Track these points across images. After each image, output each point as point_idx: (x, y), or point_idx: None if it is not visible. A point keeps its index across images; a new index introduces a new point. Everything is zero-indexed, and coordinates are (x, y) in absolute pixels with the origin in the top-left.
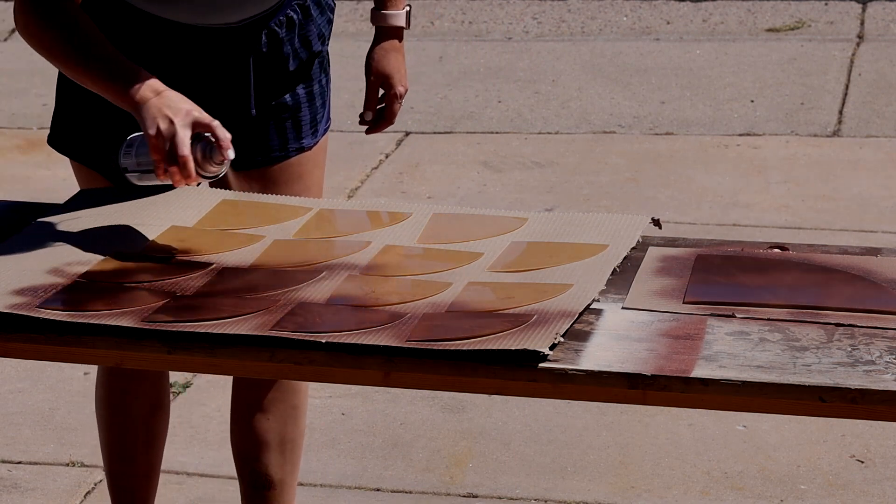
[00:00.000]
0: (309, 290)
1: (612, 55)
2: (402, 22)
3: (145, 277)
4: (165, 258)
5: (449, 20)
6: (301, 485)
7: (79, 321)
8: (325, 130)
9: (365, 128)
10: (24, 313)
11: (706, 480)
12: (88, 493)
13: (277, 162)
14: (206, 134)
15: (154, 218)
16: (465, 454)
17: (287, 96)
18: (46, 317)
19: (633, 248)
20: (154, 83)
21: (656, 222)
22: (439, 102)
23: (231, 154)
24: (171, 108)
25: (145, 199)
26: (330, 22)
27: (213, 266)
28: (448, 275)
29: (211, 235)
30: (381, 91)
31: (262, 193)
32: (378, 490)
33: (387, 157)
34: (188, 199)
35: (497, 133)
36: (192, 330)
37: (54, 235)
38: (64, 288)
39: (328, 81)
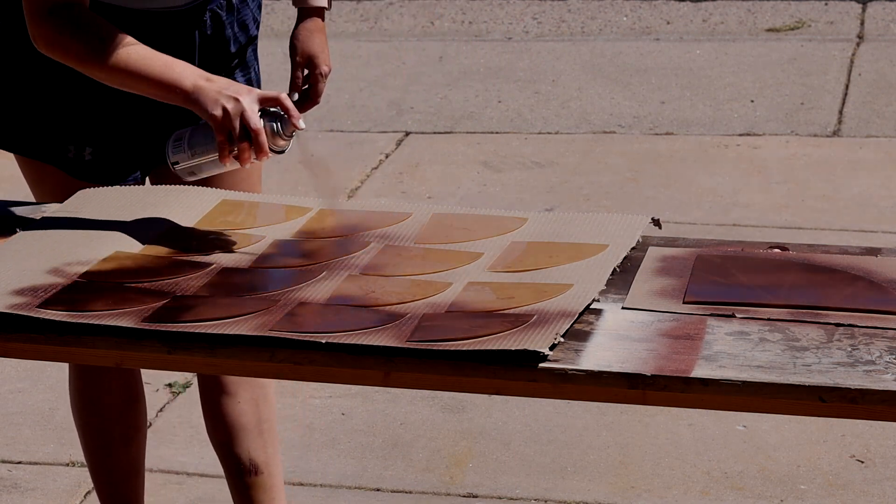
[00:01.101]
0: (309, 290)
1: (612, 55)
2: (323, 2)
3: (145, 277)
4: (165, 258)
5: (449, 20)
6: (301, 485)
7: (79, 321)
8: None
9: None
10: (24, 313)
11: (706, 480)
12: (88, 493)
13: None
14: (272, 109)
15: (154, 218)
16: (465, 454)
17: None
18: (46, 317)
19: (633, 248)
20: (199, 70)
21: (656, 222)
22: (439, 102)
23: (302, 124)
24: (230, 88)
25: (146, 199)
26: (259, 7)
27: (213, 266)
28: (448, 275)
29: (211, 235)
30: (306, 71)
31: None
32: (378, 490)
33: (387, 157)
34: (188, 199)
35: (497, 133)
36: (192, 330)
37: (54, 235)
38: (64, 288)
39: (259, 70)
